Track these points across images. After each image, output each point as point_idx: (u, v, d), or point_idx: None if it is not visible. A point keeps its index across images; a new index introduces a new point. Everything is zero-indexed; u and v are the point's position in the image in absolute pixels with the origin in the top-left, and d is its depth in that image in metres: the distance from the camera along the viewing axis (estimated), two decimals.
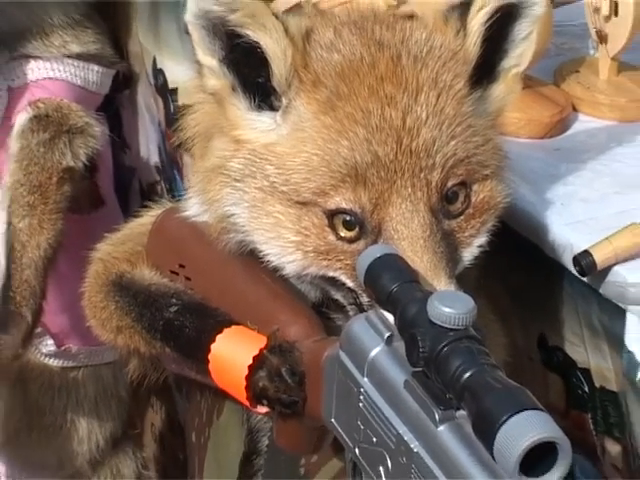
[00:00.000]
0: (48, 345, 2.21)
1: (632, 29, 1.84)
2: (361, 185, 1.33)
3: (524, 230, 1.63)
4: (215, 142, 1.43)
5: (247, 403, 1.36)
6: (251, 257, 1.42)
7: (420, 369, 1.11)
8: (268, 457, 1.56)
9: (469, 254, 1.41)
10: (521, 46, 1.45)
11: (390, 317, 1.19)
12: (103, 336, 1.57)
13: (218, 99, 1.40)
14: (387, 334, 1.17)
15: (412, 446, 1.10)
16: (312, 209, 1.35)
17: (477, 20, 1.40)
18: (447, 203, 1.37)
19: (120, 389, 2.32)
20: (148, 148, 2.36)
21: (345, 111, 1.34)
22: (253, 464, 1.59)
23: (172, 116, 2.12)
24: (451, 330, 1.08)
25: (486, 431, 1.00)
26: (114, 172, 2.32)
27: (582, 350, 1.63)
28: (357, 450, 1.20)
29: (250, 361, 1.34)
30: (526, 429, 0.97)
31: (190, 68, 1.47)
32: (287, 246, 1.37)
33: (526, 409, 0.99)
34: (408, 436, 1.11)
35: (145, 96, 2.31)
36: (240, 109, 1.39)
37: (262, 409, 1.37)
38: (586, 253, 1.51)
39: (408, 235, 1.32)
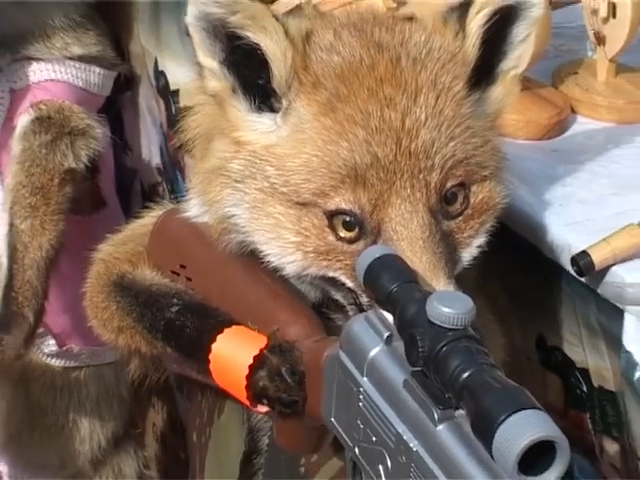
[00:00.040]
0: (50, 345, 2.21)
1: (630, 31, 1.84)
2: (361, 186, 1.34)
3: (522, 231, 1.63)
4: (216, 143, 1.44)
5: (247, 402, 1.37)
6: (251, 258, 1.42)
7: (419, 369, 1.11)
8: (268, 456, 1.56)
9: (468, 254, 1.41)
10: (519, 48, 1.45)
11: (389, 317, 1.19)
12: (104, 336, 1.57)
13: (219, 101, 1.40)
14: (386, 334, 1.17)
15: (411, 445, 1.10)
16: (312, 210, 1.36)
17: (476, 22, 1.41)
18: (446, 204, 1.38)
19: (122, 389, 2.32)
20: (150, 149, 2.36)
21: (345, 113, 1.35)
22: (254, 463, 1.59)
23: (174, 117, 2.12)
24: (450, 330, 1.08)
25: (485, 430, 1.00)
26: (115, 173, 2.32)
27: (580, 350, 1.63)
28: (357, 449, 1.20)
29: (250, 361, 1.34)
30: (524, 428, 0.98)
31: (191, 70, 1.47)
32: (287, 247, 1.37)
33: (524, 408, 0.99)
34: (407, 435, 1.11)
35: (147, 98, 2.31)
36: (240, 111, 1.39)
37: (262, 408, 1.37)
38: (584, 254, 1.51)
39: (407, 236, 1.33)
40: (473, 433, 1.03)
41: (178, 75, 2.14)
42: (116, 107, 2.32)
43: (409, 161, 1.34)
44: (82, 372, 2.28)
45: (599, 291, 1.54)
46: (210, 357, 1.39)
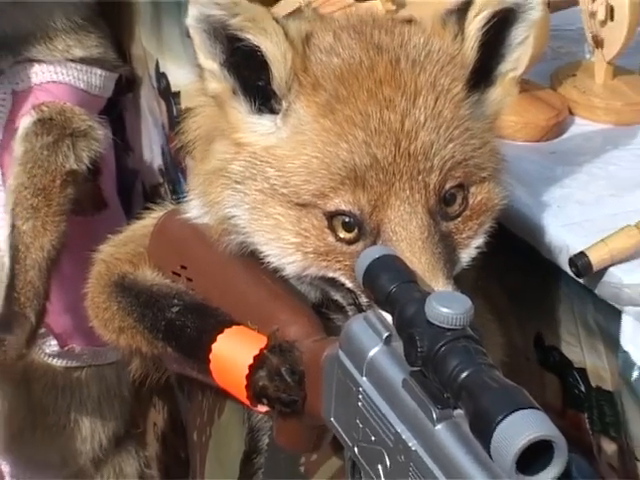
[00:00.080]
0: (52, 345, 2.21)
1: (628, 34, 1.84)
2: (360, 187, 1.34)
3: (521, 232, 1.64)
4: (216, 145, 1.44)
5: (247, 402, 1.37)
6: (252, 258, 1.43)
7: (418, 368, 1.11)
8: (268, 456, 1.57)
9: (467, 255, 1.41)
10: (518, 50, 1.45)
11: (388, 317, 1.19)
12: (105, 336, 1.57)
13: (219, 102, 1.41)
14: (385, 334, 1.18)
15: (410, 444, 1.11)
16: (312, 211, 1.36)
17: (474, 24, 1.41)
18: (445, 205, 1.38)
19: (123, 389, 2.32)
20: (151, 151, 2.36)
21: (344, 114, 1.35)
22: (254, 463, 1.59)
23: (175, 119, 2.13)
24: (449, 330, 1.09)
25: (483, 430, 1.00)
26: (117, 175, 2.32)
27: (578, 350, 1.63)
28: (356, 449, 1.21)
29: (250, 361, 1.34)
30: (523, 428, 0.98)
31: (192, 71, 1.48)
32: (287, 247, 1.38)
33: (523, 408, 0.99)
34: (406, 435, 1.11)
35: (148, 99, 2.31)
36: (241, 112, 1.40)
37: (262, 408, 1.37)
38: (582, 254, 1.51)
39: (406, 236, 1.33)
40: (471, 432, 1.03)
41: (179, 77, 2.14)
42: (118, 109, 2.32)
43: (408, 162, 1.34)
44: (83, 372, 2.28)
45: (597, 292, 1.54)
46: (210, 357, 1.39)
